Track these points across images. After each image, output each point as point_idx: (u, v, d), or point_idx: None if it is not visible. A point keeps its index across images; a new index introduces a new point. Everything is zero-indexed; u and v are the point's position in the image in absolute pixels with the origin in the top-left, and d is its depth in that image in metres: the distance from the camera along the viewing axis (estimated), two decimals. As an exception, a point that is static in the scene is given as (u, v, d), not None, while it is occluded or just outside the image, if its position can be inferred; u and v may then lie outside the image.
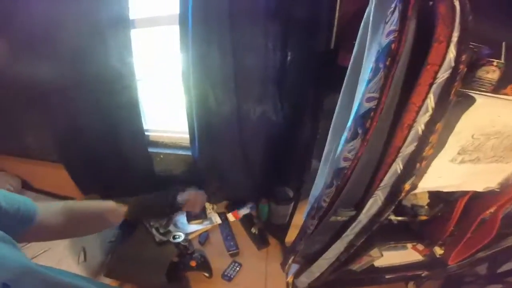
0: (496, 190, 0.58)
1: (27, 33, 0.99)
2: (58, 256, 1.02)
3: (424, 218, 0.70)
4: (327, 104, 0.68)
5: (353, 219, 0.48)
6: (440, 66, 0.31)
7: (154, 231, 1.08)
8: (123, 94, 0.98)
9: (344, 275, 0.91)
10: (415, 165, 0.37)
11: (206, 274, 0.95)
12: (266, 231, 1.08)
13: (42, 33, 0.96)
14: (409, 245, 0.90)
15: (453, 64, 0.31)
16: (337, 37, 0.64)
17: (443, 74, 0.31)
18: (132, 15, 0.91)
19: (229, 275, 0.95)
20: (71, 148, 1.15)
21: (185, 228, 1.10)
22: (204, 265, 0.96)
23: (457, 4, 0.30)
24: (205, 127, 0.97)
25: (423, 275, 1.08)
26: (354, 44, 0.48)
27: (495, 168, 0.52)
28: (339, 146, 0.43)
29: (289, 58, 0.82)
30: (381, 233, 0.72)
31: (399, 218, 0.75)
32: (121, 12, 0.88)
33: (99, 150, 1.10)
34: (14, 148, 1.47)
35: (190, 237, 1.07)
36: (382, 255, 0.78)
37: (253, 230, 1.07)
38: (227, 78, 0.87)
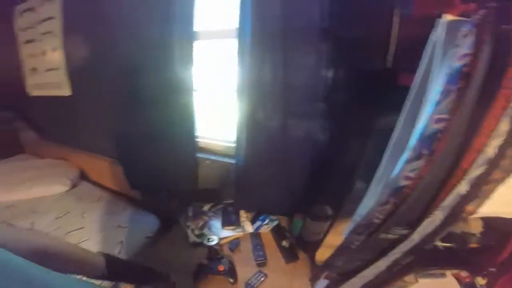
0: None
1: (105, 46, 1.17)
2: (96, 246, 1.11)
3: (474, 246, 0.66)
4: (381, 124, 0.69)
5: (405, 237, 0.47)
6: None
7: (189, 232, 1.14)
8: (180, 102, 1.09)
9: None
10: (481, 188, 0.37)
11: (231, 280, 0.96)
12: (297, 246, 1.08)
13: (116, 45, 1.13)
14: (449, 273, 0.84)
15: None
16: (397, 56, 0.66)
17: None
18: (196, 27, 1.03)
19: (252, 284, 0.95)
20: (127, 147, 1.29)
21: (218, 233, 1.14)
22: (231, 271, 0.98)
23: None
24: (251, 139, 1.03)
25: None
26: (415, 65, 0.50)
27: None
28: (398, 165, 0.44)
29: (339, 76, 0.85)
30: (423, 257, 0.70)
31: (446, 244, 0.72)
32: (187, 26, 1.00)
33: (152, 151, 1.21)
34: (77, 142, 1.71)
35: (221, 242, 1.11)
36: (417, 281, 0.74)
37: (284, 243, 1.07)
38: (277, 94, 0.93)
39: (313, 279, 0.81)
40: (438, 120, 0.36)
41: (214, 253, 1.02)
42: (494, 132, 0.34)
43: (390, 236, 0.49)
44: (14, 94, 1.98)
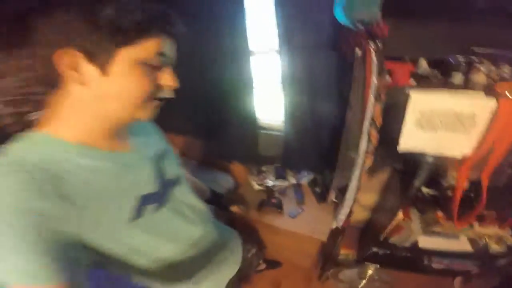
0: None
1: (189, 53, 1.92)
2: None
3: (450, 194, 1.07)
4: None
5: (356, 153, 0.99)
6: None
7: (254, 183, 1.80)
8: (245, 95, 1.76)
9: (389, 250, 1.31)
10: (375, 124, 0.88)
11: (279, 210, 1.57)
12: (327, 191, 1.61)
13: (197, 54, 1.84)
14: (463, 235, 1.21)
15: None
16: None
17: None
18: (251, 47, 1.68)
19: (293, 214, 1.54)
20: (208, 127, 2.02)
21: (271, 182, 1.77)
22: (279, 205, 1.59)
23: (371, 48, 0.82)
24: (293, 118, 1.65)
25: (472, 272, 1.29)
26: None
27: (456, 136, 0.91)
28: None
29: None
30: (414, 200, 1.13)
31: (430, 191, 1.16)
32: (244, 45, 1.65)
33: (227, 129, 1.93)
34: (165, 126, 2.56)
35: (274, 188, 1.73)
36: (421, 233, 1.17)
37: (317, 189, 1.63)
38: (308, 86, 1.50)
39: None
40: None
41: (270, 192, 1.66)
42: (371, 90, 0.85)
43: (351, 155, 1.02)
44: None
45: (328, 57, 1.38)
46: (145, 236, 0.52)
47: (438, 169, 1.14)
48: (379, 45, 0.84)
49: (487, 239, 1.22)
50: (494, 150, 0.89)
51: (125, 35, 0.41)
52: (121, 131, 0.54)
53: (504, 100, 0.81)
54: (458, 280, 1.40)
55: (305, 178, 1.77)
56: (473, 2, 0.90)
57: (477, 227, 1.19)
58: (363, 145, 0.96)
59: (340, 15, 0.91)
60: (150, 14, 0.43)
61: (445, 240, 1.26)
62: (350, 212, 1.19)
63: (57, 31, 0.38)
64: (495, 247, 1.20)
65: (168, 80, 0.49)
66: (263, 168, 1.87)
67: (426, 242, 1.28)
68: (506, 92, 0.83)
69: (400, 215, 1.23)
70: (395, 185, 1.34)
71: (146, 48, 0.43)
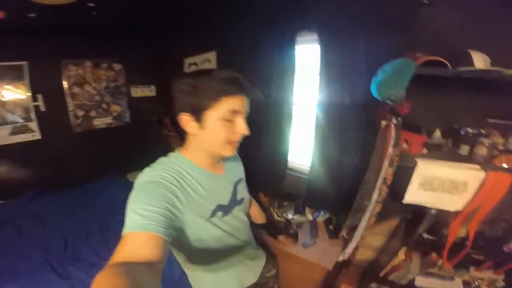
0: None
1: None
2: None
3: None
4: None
5: (369, 202, 1.25)
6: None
7: (275, 214, 2.05)
8: (282, 139, 2.11)
9: (388, 286, 1.50)
10: (386, 183, 1.16)
11: (295, 240, 1.79)
12: (339, 230, 1.83)
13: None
14: (458, 278, 1.41)
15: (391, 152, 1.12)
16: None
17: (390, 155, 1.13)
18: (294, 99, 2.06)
19: (306, 244, 1.76)
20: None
21: (291, 215, 2.02)
22: (295, 235, 1.82)
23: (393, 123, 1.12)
24: (319, 163, 1.96)
25: None
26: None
27: (450, 197, 1.15)
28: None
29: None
30: (414, 243, 1.35)
31: (430, 236, 1.37)
32: (289, 98, 2.03)
33: (260, 164, 2.25)
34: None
35: (293, 221, 1.97)
36: (418, 273, 1.39)
37: (330, 227, 1.86)
38: (335, 142, 1.82)
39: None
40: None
41: (288, 223, 1.90)
42: (387, 157, 1.14)
43: (366, 202, 1.28)
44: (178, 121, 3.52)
45: (358, 118, 1.73)
46: (212, 230, 0.81)
47: (442, 220, 1.35)
48: (400, 121, 1.15)
49: (480, 282, 1.39)
50: (480, 209, 1.13)
51: (210, 101, 0.71)
52: (217, 160, 0.87)
53: (492, 173, 1.07)
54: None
55: (321, 216, 2.01)
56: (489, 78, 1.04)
57: (473, 271, 1.39)
58: (375, 196, 1.23)
59: (374, 90, 1.24)
60: (221, 82, 0.71)
61: (440, 281, 1.43)
62: (356, 247, 1.41)
63: (177, 103, 0.74)
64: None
65: (240, 128, 0.76)
66: (285, 203, 2.13)
67: (422, 282, 1.45)
68: (504, 164, 1.09)
69: (402, 255, 1.45)
70: (400, 230, 1.56)
71: (222, 108, 0.71)
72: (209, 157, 0.81)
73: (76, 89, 2.85)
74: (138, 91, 3.43)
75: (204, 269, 0.89)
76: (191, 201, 0.73)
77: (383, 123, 1.29)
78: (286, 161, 2.24)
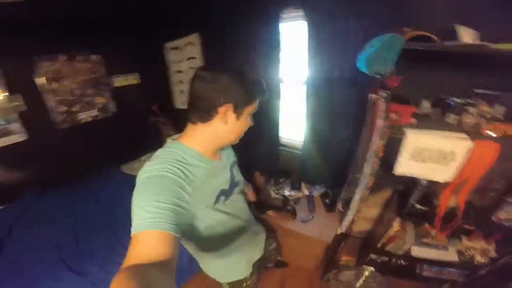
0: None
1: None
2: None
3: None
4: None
5: (362, 175, 1.32)
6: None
7: (272, 192, 2.13)
8: (273, 117, 2.13)
9: (386, 256, 1.59)
10: (378, 155, 1.21)
11: (293, 216, 1.89)
12: (335, 203, 1.93)
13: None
14: (452, 247, 1.50)
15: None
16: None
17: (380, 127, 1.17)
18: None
19: (305, 219, 1.86)
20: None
21: (288, 192, 2.10)
22: (293, 211, 1.91)
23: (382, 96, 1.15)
24: (311, 138, 2.00)
25: (458, 281, 1.55)
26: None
27: (439, 167, 1.22)
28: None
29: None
30: (406, 213, 1.44)
31: (422, 207, 1.45)
32: (276, 75, 2.02)
33: (253, 144, 2.29)
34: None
35: (290, 198, 2.06)
36: (413, 243, 1.48)
37: (326, 201, 1.95)
38: (326, 117, 1.85)
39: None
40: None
41: (286, 200, 1.98)
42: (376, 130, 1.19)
43: (357, 175, 1.34)
44: (167, 107, 3.48)
45: (348, 93, 1.74)
46: (219, 216, 0.85)
47: (432, 190, 1.43)
48: (389, 94, 1.18)
49: (473, 251, 1.49)
50: (469, 179, 1.21)
51: (252, 99, 0.79)
52: (218, 150, 0.90)
53: (478, 142, 1.13)
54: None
55: (317, 190, 2.09)
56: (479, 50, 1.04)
57: (465, 241, 1.49)
58: (367, 169, 1.29)
59: (362, 65, 1.23)
60: (259, 85, 0.82)
61: (435, 251, 1.52)
62: (353, 221, 1.50)
63: (228, 95, 0.74)
64: (479, 259, 1.46)
65: (251, 122, 0.86)
66: (281, 180, 2.20)
67: (418, 251, 1.54)
68: (490, 132, 1.13)
69: (396, 226, 1.53)
70: (394, 202, 1.65)
71: (254, 106, 0.81)
72: (217, 146, 0.85)
73: (54, 85, 2.74)
74: (121, 80, 3.32)
75: (215, 255, 0.93)
76: (197, 190, 0.73)
77: (373, 96, 1.31)
78: (278, 138, 2.28)
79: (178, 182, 0.67)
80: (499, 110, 1.18)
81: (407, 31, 1.11)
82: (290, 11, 1.90)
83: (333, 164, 2.00)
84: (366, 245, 1.79)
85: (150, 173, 0.66)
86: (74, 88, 2.90)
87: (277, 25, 1.93)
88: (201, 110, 0.76)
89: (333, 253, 1.73)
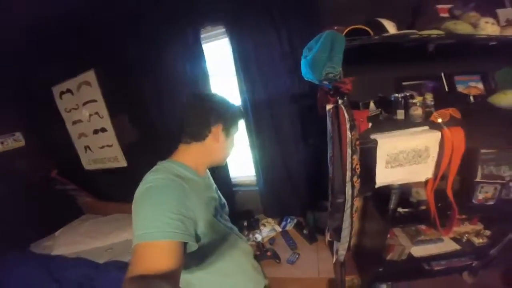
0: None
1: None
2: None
3: (424, 208, 1.35)
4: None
5: (345, 199, 1.18)
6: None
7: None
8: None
9: (389, 267, 1.52)
10: (356, 173, 1.10)
11: (277, 260, 1.64)
12: (314, 231, 1.77)
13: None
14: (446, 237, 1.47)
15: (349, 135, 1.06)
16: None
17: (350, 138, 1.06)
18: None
19: (292, 260, 1.64)
20: None
21: (260, 236, 1.85)
22: (275, 255, 1.66)
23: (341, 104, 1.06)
24: (264, 169, 1.80)
25: (473, 264, 1.56)
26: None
27: (418, 167, 1.19)
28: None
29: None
30: (393, 221, 1.37)
31: (406, 209, 1.40)
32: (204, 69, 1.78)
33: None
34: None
35: (264, 240, 1.81)
36: (412, 245, 1.43)
37: (305, 231, 1.78)
38: (273, 142, 1.70)
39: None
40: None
41: (261, 246, 1.73)
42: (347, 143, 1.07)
43: (338, 200, 1.21)
44: (74, 170, 2.82)
45: (289, 111, 1.65)
46: (220, 228, 0.86)
47: (405, 190, 1.42)
48: (346, 100, 1.08)
49: (467, 235, 1.55)
50: (450, 168, 1.19)
51: (236, 120, 0.90)
52: (206, 169, 0.94)
53: (445, 130, 1.13)
54: (466, 275, 1.63)
55: (290, 224, 1.91)
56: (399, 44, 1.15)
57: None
58: (349, 191, 1.16)
59: (307, 72, 1.13)
60: (240, 110, 0.93)
61: (433, 245, 1.55)
62: (349, 246, 1.36)
63: (219, 116, 0.84)
64: (477, 240, 1.53)
65: (235, 143, 0.95)
66: (244, 224, 1.95)
67: (418, 251, 1.53)
68: (439, 120, 1.16)
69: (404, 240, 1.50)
70: (372, 211, 1.59)
71: (239, 127, 0.93)
72: (207, 163, 0.91)
73: None
74: (-3, 145, 2.55)
75: (222, 274, 0.90)
76: (197, 200, 0.75)
77: (328, 107, 1.22)
78: (229, 178, 2.05)
79: (182, 191, 0.71)
80: (428, 98, 1.25)
81: (340, 29, 1.06)
82: (209, 29, 1.73)
83: (296, 191, 1.86)
84: (367, 260, 1.70)
85: (153, 183, 0.69)
86: None
87: (199, 46, 1.73)
88: (195, 130, 0.84)
89: (338, 282, 1.57)
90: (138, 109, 2.13)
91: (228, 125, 0.87)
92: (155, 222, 0.60)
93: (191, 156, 0.86)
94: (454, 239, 1.56)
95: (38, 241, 2.48)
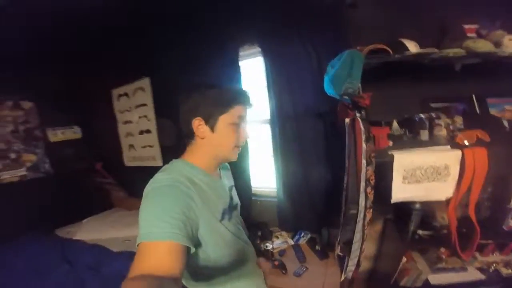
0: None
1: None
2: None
3: (445, 231, 1.31)
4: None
5: (358, 210, 1.22)
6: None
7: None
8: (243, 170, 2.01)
9: None
10: (370, 184, 1.14)
11: (283, 271, 1.65)
12: (327, 248, 1.76)
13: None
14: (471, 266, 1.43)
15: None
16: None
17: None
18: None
19: (298, 273, 1.63)
20: None
21: (271, 245, 1.89)
22: (282, 266, 1.68)
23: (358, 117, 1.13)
24: (285, 182, 1.90)
25: None
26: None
27: (437, 185, 1.19)
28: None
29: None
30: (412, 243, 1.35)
31: (426, 232, 1.38)
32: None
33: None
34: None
35: (274, 251, 1.84)
36: (430, 271, 1.38)
37: (317, 247, 1.78)
38: (296, 155, 1.80)
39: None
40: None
41: (271, 255, 1.76)
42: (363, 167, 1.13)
43: (351, 211, 1.24)
44: (115, 165, 3.15)
45: (315, 126, 1.75)
46: (225, 233, 0.85)
47: (427, 213, 1.37)
48: (363, 113, 1.17)
49: (496, 265, 1.44)
50: (472, 189, 1.16)
51: (225, 108, 0.82)
52: (217, 167, 0.94)
53: (467, 150, 1.13)
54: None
55: (303, 238, 1.92)
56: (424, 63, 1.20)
57: (479, 257, 1.43)
58: (362, 202, 1.20)
59: (328, 87, 1.24)
60: (234, 93, 0.86)
61: (455, 274, 1.44)
62: (359, 262, 1.32)
63: (196, 110, 0.81)
64: (505, 271, 1.42)
65: (246, 133, 0.89)
66: (259, 233, 1.99)
67: (437, 279, 1.43)
68: (465, 141, 1.16)
69: (403, 258, 1.43)
70: (391, 233, 1.54)
71: (233, 114, 0.83)
72: (214, 162, 0.89)
73: None
74: (58, 134, 2.98)
75: (224, 279, 0.88)
76: (203, 202, 0.77)
77: (347, 120, 1.30)
78: (250, 188, 2.15)
79: (187, 193, 0.72)
80: (458, 121, 1.27)
81: (362, 48, 1.17)
82: (246, 48, 1.97)
83: (314, 206, 1.89)
84: (376, 284, 1.63)
85: (160, 183, 0.72)
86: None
87: (237, 63, 1.95)
88: (183, 130, 0.85)
89: None
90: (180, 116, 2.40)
91: (212, 115, 0.81)
92: (158, 222, 0.61)
93: (194, 155, 0.86)
94: (480, 269, 1.45)
95: (64, 227, 2.69)
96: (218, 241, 0.82)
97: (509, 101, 1.38)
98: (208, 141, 0.84)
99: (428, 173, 1.17)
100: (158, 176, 0.75)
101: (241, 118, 0.86)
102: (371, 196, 1.17)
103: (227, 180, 1.01)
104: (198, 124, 0.82)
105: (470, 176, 1.14)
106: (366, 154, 1.13)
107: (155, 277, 0.52)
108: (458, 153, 1.14)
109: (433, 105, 1.45)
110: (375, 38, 1.29)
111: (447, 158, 1.15)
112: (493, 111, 1.38)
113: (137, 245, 0.60)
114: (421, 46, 1.25)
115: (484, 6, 1.31)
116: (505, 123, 1.25)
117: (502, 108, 1.38)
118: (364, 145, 1.14)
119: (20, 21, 1.81)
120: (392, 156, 1.17)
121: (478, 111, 1.40)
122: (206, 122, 0.82)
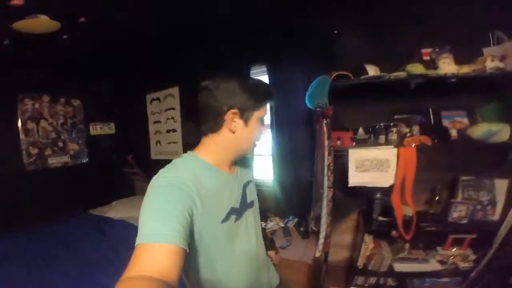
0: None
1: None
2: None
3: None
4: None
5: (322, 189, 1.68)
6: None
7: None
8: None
9: (372, 277, 1.83)
10: (330, 169, 1.62)
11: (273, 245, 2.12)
12: (309, 230, 2.20)
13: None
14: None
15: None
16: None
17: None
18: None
19: (283, 246, 2.09)
20: None
21: (264, 227, 2.36)
22: (272, 241, 2.14)
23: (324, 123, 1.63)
24: (280, 179, 2.42)
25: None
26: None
27: (381, 174, 1.63)
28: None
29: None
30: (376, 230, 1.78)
31: (385, 218, 1.79)
32: None
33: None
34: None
35: (267, 230, 2.31)
36: (392, 256, 1.76)
37: (301, 229, 2.23)
38: (289, 149, 2.31)
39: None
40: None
41: (264, 233, 2.23)
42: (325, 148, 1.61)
43: (320, 191, 1.71)
44: (142, 158, 3.77)
45: (304, 130, 2.25)
46: (227, 235, 0.80)
47: (388, 203, 1.70)
48: (328, 120, 1.65)
49: (453, 259, 1.72)
50: (406, 179, 1.57)
51: (259, 103, 0.80)
52: (233, 161, 0.89)
53: (401, 148, 1.55)
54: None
55: (291, 222, 2.37)
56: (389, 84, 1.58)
57: (441, 250, 1.77)
58: (325, 183, 1.67)
59: (307, 101, 1.74)
60: (267, 88, 0.85)
61: (417, 264, 1.75)
62: (328, 237, 1.74)
63: (232, 100, 0.76)
64: (462, 264, 1.70)
65: (266, 130, 0.89)
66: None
67: (400, 267, 1.76)
68: (412, 144, 1.56)
69: (371, 244, 1.82)
70: (361, 222, 1.95)
71: (264, 110, 0.82)
72: (230, 156, 0.85)
73: (31, 125, 2.91)
74: (97, 129, 3.62)
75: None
76: (207, 203, 0.72)
77: (317, 125, 1.80)
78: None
79: (189, 193, 0.69)
80: (415, 129, 1.70)
81: (333, 73, 1.63)
82: (257, 67, 2.55)
83: (302, 197, 2.34)
84: (349, 269, 1.99)
85: (162, 181, 0.69)
86: (50, 130, 3.13)
87: (248, 77, 2.55)
88: (209, 120, 0.79)
89: (317, 279, 1.88)
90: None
91: (248, 110, 0.78)
92: (158, 224, 0.60)
93: (209, 150, 0.82)
94: (440, 262, 1.75)
95: (96, 208, 3.21)
96: (212, 244, 0.77)
97: (459, 114, 1.70)
98: (236, 135, 0.79)
99: (373, 164, 1.61)
100: (164, 173, 0.73)
101: (266, 114, 0.86)
102: (331, 179, 1.64)
103: (244, 175, 0.95)
104: (233, 117, 0.77)
105: (403, 168, 1.57)
106: (328, 148, 1.61)
107: (151, 279, 0.50)
108: (394, 150, 1.58)
109: (396, 116, 1.83)
110: (353, 62, 1.73)
111: (386, 154, 1.60)
112: (445, 122, 1.70)
113: (135, 246, 0.57)
114: (390, 69, 1.62)
115: (441, 33, 1.67)
116: (454, 132, 1.64)
117: (453, 120, 1.69)
118: (326, 142, 1.62)
119: (95, 35, 2.39)
120: (347, 151, 1.63)
121: (432, 122, 1.74)
122: (241, 116, 0.78)
